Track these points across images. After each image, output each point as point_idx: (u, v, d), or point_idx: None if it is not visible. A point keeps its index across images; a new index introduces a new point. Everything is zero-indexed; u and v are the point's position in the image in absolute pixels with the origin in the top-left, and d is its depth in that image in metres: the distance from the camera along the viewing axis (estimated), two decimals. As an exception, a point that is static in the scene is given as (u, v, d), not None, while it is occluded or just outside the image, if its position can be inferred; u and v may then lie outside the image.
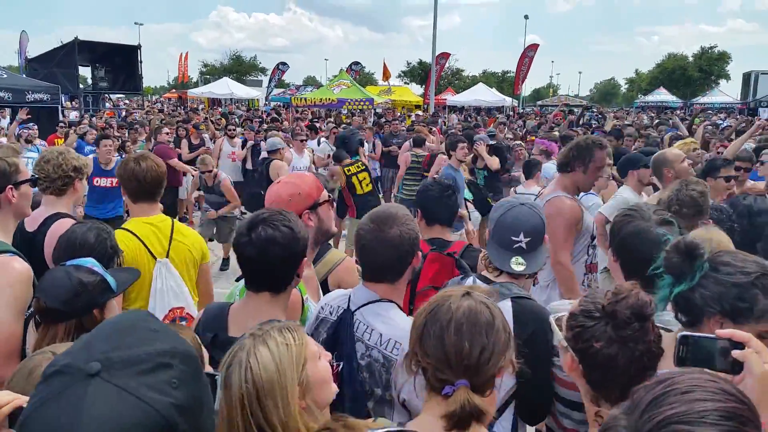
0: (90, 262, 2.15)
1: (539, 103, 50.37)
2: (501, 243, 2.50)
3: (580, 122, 17.19)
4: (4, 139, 10.38)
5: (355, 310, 2.21)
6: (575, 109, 30.30)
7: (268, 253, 2.01)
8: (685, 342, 1.47)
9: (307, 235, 2.12)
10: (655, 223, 2.20)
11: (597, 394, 1.59)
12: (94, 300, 2.05)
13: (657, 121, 19.03)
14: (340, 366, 2.14)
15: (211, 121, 15.32)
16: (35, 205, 3.50)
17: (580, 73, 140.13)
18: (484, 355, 1.50)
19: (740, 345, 1.42)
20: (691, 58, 64.40)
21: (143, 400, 0.84)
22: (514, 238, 2.46)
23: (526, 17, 56.83)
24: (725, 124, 17.59)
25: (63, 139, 11.74)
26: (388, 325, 2.13)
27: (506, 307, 2.23)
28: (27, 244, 2.98)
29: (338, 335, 2.21)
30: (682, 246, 1.83)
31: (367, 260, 2.25)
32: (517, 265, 2.43)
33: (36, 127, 10.61)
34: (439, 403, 1.53)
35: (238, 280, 2.38)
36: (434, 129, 15.50)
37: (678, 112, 33.67)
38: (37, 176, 3.10)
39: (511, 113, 31.44)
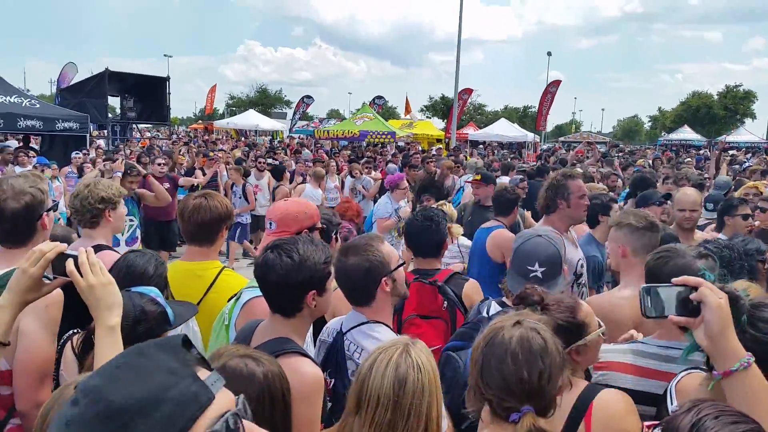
0: (153, 291, 2.16)
1: (561, 139, 50.32)
2: (518, 272, 2.69)
3: (606, 157, 17.11)
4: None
5: (346, 332, 2.42)
6: (597, 146, 30.09)
7: (266, 279, 2.09)
8: (648, 293, 1.61)
9: (320, 267, 2.10)
10: (693, 257, 2.26)
11: None
12: (152, 330, 2.05)
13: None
14: (332, 382, 2.37)
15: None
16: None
17: (602, 109, 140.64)
18: (543, 379, 1.56)
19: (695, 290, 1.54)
20: (716, 96, 64.08)
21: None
22: (530, 268, 2.64)
23: (549, 54, 57.08)
24: (749, 164, 17.35)
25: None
26: (374, 344, 2.24)
27: None
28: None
29: (332, 355, 2.46)
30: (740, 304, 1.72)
31: (340, 286, 2.50)
32: None
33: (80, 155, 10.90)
34: (504, 428, 1.60)
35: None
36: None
37: (702, 150, 33.31)
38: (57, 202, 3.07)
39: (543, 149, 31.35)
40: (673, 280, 1.58)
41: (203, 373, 0.94)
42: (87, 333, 2.17)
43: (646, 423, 1.16)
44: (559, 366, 1.60)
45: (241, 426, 0.94)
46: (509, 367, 1.57)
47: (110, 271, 2.42)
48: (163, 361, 0.91)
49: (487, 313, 2.67)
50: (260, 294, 2.48)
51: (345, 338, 2.42)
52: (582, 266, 3.88)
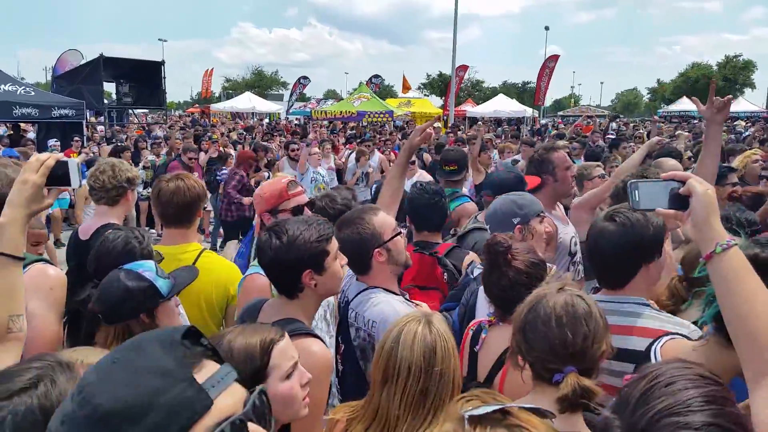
0: (144, 266, 2.19)
1: (560, 113, 50.08)
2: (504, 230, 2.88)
3: (608, 132, 17.05)
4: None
5: (350, 301, 2.60)
6: (598, 119, 30.02)
7: (262, 261, 2.14)
8: (636, 187, 1.63)
9: (311, 245, 2.09)
10: (602, 219, 2.28)
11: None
12: (139, 306, 2.11)
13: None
14: (343, 348, 2.59)
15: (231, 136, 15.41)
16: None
17: (601, 83, 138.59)
18: (587, 342, 1.63)
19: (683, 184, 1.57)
20: (715, 67, 63.65)
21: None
22: (514, 220, 2.91)
23: (546, 28, 56.68)
24: (747, 133, 17.31)
25: (77, 154, 11.92)
26: (370, 309, 2.48)
27: None
28: (80, 252, 3.03)
29: (341, 323, 2.66)
30: (762, 259, 1.68)
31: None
32: None
33: (58, 143, 10.84)
34: (545, 390, 1.68)
35: None
36: None
37: (697, 122, 33.14)
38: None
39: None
40: (662, 175, 1.63)
41: (207, 371, 0.88)
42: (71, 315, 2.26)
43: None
44: (602, 331, 1.66)
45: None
46: (554, 330, 1.63)
47: (92, 255, 2.49)
48: (159, 360, 0.85)
49: (472, 274, 2.81)
50: (258, 271, 2.55)
51: (349, 308, 2.56)
52: (575, 243, 3.72)
